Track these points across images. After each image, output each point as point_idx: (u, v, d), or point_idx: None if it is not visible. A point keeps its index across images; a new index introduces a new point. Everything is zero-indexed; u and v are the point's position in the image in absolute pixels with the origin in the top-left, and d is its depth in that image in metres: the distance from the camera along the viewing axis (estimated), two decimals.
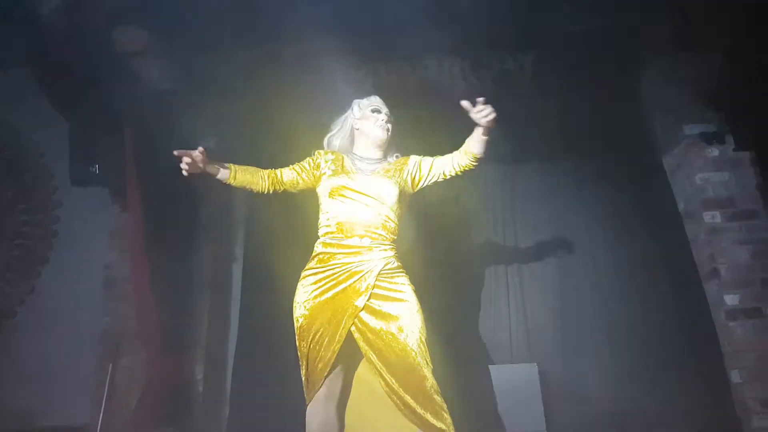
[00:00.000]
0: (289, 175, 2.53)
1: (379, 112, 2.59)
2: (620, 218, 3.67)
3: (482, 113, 2.25)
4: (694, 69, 3.48)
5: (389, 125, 2.58)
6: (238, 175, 2.46)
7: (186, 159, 2.31)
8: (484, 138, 2.37)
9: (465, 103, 2.26)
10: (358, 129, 2.62)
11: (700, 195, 3.46)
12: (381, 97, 2.68)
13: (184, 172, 2.35)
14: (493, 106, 3.56)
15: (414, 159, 2.60)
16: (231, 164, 2.47)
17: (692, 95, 3.54)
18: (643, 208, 3.62)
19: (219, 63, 3.53)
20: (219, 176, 2.45)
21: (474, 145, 2.43)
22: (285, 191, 2.56)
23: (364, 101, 2.65)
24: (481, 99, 2.24)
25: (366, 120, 2.59)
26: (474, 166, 2.48)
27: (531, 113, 3.68)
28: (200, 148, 2.33)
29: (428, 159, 2.59)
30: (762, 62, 3.14)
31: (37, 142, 4.10)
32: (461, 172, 2.52)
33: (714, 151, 3.52)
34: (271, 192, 2.53)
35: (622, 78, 3.67)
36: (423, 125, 3.48)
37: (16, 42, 3.34)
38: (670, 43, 3.46)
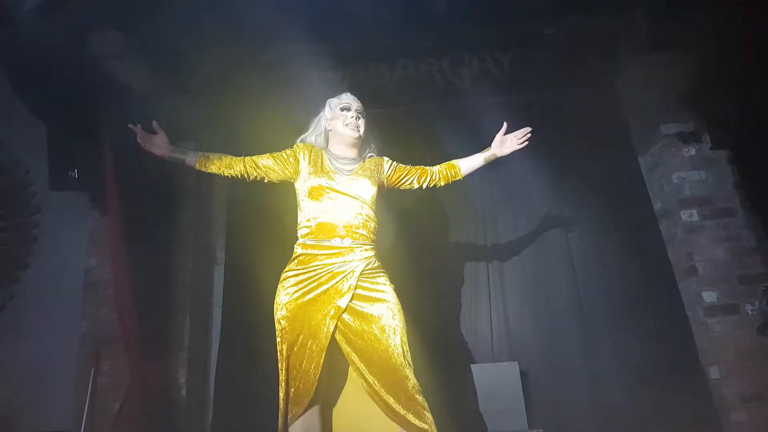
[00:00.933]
0: (265, 162, 2.52)
1: (348, 109, 2.58)
2: (598, 218, 3.68)
3: (520, 140, 2.56)
4: (671, 69, 3.51)
5: (360, 122, 2.57)
6: (206, 162, 2.48)
7: (140, 135, 2.44)
8: (484, 164, 2.56)
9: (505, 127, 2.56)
10: (330, 130, 2.61)
11: (678, 194, 3.49)
12: (359, 97, 2.67)
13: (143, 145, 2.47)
14: (471, 105, 3.61)
15: (388, 162, 2.63)
16: (200, 152, 2.50)
17: (669, 95, 3.57)
18: (620, 207, 3.64)
19: (197, 65, 3.51)
20: (187, 162, 2.49)
21: (470, 167, 2.60)
22: (261, 178, 2.54)
23: (335, 100, 2.64)
24: (527, 129, 2.52)
25: (336, 120, 2.58)
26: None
27: (508, 113, 3.69)
28: (153, 122, 2.46)
29: (402, 166, 2.63)
30: (738, 61, 3.18)
31: (14, 147, 4.05)
32: (435, 185, 2.64)
33: (691, 150, 3.56)
34: (247, 176, 2.52)
35: (599, 78, 3.69)
36: (402, 125, 3.50)
37: None
38: (647, 43, 3.49)
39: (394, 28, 3.36)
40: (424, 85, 3.74)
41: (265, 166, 2.51)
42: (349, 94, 2.66)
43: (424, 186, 2.65)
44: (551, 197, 3.77)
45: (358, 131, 2.56)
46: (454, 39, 3.66)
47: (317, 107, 2.71)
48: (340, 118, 2.57)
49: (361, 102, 2.64)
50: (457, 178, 2.66)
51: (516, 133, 2.59)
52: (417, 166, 2.67)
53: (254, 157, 2.53)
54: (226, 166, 2.49)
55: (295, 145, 2.60)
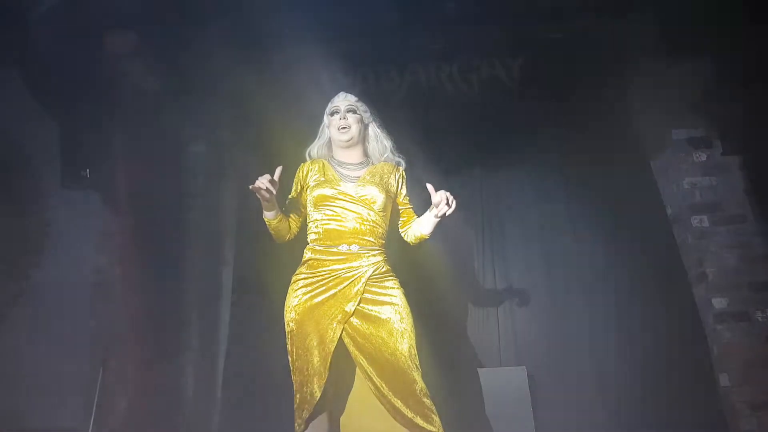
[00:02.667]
0: (295, 205, 2.51)
1: (337, 112, 2.55)
2: (608, 223, 3.67)
3: (445, 207, 2.27)
4: (682, 74, 3.50)
5: (350, 119, 2.52)
6: (281, 222, 2.42)
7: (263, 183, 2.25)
8: (437, 221, 2.39)
9: (430, 186, 2.33)
10: (329, 136, 2.61)
11: (688, 199, 3.49)
12: (368, 102, 2.64)
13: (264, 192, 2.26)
14: (481, 112, 3.59)
15: (402, 184, 2.58)
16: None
17: (680, 100, 3.56)
18: (631, 212, 3.62)
19: (208, 67, 3.53)
20: (269, 213, 2.38)
21: (426, 226, 2.45)
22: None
23: (328, 106, 2.61)
24: (449, 198, 2.28)
25: (331, 126, 2.57)
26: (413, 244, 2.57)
27: (516, 117, 3.69)
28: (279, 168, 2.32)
29: (405, 202, 2.57)
30: (749, 67, 3.17)
31: (26, 145, 4.08)
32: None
33: (702, 156, 3.55)
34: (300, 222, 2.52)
35: (609, 83, 3.68)
36: (412, 130, 3.49)
37: (4, 43, 3.33)
38: (658, 49, 3.48)
39: (403, 32, 3.38)
40: (433, 90, 3.74)
41: (298, 208, 2.52)
42: (341, 93, 2.62)
43: (399, 228, 2.58)
44: (561, 203, 3.77)
45: (348, 132, 2.52)
46: (463, 43, 3.67)
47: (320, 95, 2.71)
48: (332, 124, 2.55)
49: (366, 104, 2.61)
50: (423, 235, 2.49)
51: (437, 200, 2.32)
52: (409, 209, 2.58)
53: (290, 210, 2.51)
54: (285, 231, 2.47)
55: (298, 169, 2.58)
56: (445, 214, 2.28)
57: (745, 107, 3.29)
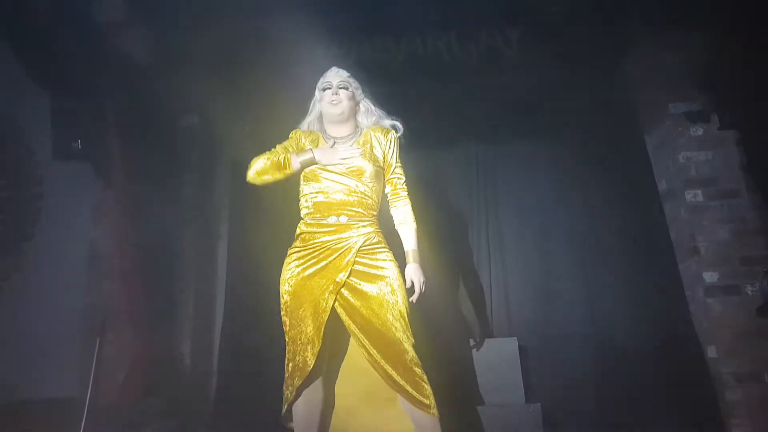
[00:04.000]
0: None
1: (329, 88, 2.53)
2: (601, 195, 3.68)
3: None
4: (681, 47, 3.45)
5: (342, 94, 2.50)
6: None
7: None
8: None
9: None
10: (321, 111, 2.59)
11: (683, 174, 3.48)
12: (365, 72, 2.63)
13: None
14: (478, 83, 3.53)
15: (393, 142, 2.55)
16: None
17: (678, 74, 3.52)
18: (624, 185, 3.63)
19: (200, 36, 3.45)
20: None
21: (406, 244, 2.48)
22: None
23: (320, 81, 2.59)
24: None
25: (322, 101, 2.55)
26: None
27: (514, 89, 3.65)
28: None
29: (396, 166, 2.54)
30: (749, 41, 3.13)
31: (18, 118, 4.03)
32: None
33: (698, 130, 3.52)
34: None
35: (608, 55, 3.63)
36: (408, 101, 3.46)
37: None
38: (657, 21, 3.42)
39: (400, 1, 3.31)
40: (430, 61, 3.68)
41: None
42: (333, 68, 2.59)
43: (387, 195, 2.56)
44: (555, 174, 3.76)
45: (340, 106, 2.50)
46: (462, 12, 3.59)
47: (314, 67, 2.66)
48: (324, 98, 2.54)
49: (361, 75, 2.60)
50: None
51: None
52: (399, 181, 2.55)
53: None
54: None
55: (290, 136, 2.58)
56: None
57: (744, 81, 3.25)
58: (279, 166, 2.42)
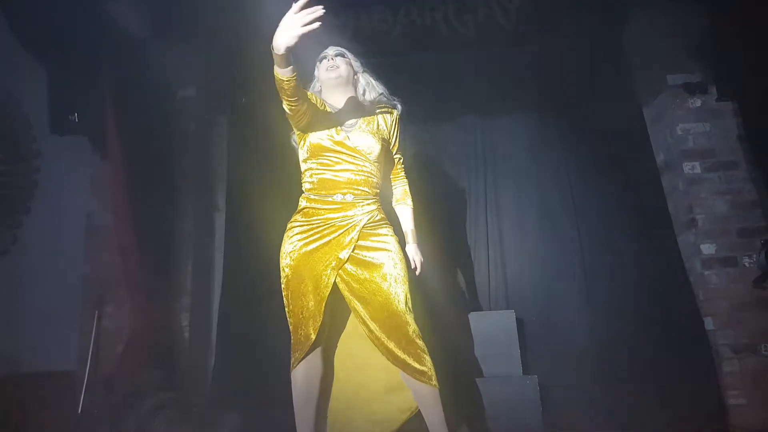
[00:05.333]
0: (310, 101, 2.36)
1: (326, 57, 2.53)
2: (599, 169, 3.68)
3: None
4: (679, 19, 3.44)
5: (337, 60, 2.49)
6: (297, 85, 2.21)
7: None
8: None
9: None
10: (321, 86, 2.58)
11: (681, 145, 3.48)
12: (361, 43, 2.65)
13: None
14: (476, 54, 3.50)
15: (396, 122, 2.57)
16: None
17: (676, 45, 3.51)
18: (622, 157, 3.62)
19: (195, 8, 3.43)
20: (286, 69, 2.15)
21: (404, 224, 2.57)
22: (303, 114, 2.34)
23: (319, 57, 2.57)
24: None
25: (319, 70, 2.55)
26: None
27: (512, 61, 3.63)
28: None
29: (399, 154, 2.61)
30: (746, 13, 3.11)
31: (14, 91, 4.02)
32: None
33: (696, 102, 3.52)
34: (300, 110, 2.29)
35: (606, 26, 3.61)
36: (406, 72, 3.44)
37: None
38: None
39: None
40: (427, 32, 3.65)
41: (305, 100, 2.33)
42: (330, 47, 2.57)
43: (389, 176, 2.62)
44: (553, 146, 3.76)
45: (337, 71, 2.49)
46: None
47: (317, 54, 2.63)
48: (321, 67, 2.53)
49: (363, 47, 2.63)
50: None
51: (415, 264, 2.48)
52: (399, 161, 2.61)
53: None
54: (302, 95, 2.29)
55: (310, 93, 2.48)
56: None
57: (742, 53, 3.24)
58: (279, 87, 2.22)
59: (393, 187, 2.61)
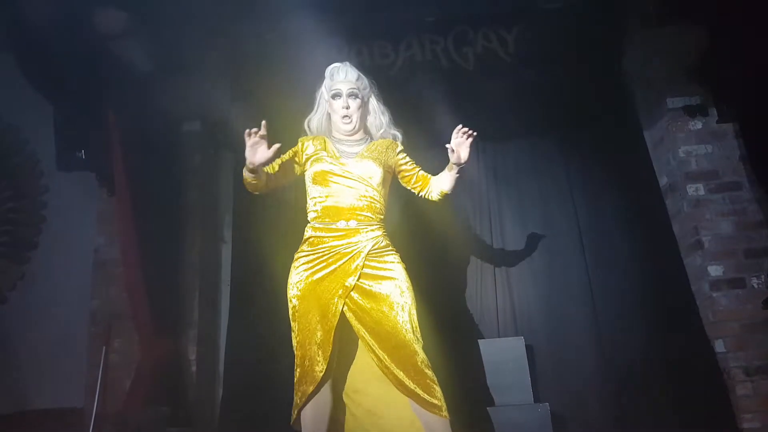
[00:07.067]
0: (283, 170, 2.50)
1: (339, 96, 2.52)
2: (603, 193, 3.68)
3: (465, 137, 2.37)
4: (678, 42, 3.48)
5: (352, 106, 2.51)
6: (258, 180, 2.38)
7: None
8: (456, 176, 2.46)
9: (449, 146, 2.40)
10: (329, 112, 2.59)
11: (684, 168, 3.48)
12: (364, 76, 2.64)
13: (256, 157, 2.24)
14: (475, 86, 3.55)
15: (401, 150, 2.60)
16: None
17: (675, 68, 3.54)
18: (625, 181, 3.63)
19: (201, 45, 3.50)
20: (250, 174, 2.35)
21: (445, 183, 2.51)
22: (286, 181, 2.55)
23: (328, 80, 2.58)
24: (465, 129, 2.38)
25: (331, 107, 2.56)
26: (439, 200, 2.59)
27: (513, 90, 3.67)
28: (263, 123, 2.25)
29: (410, 167, 2.59)
30: (745, 35, 3.15)
31: (22, 128, 4.08)
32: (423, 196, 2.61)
33: (697, 124, 3.54)
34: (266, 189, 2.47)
35: (605, 51, 3.66)
36: (408, 106, 3.47)
37: None
38: (653, 16, 3.45)
39: (396, 4, 3.33)
40: (428, 66, 3.71)
41: (284, 169, 2.50)
42: (341, 70, 2.56)
43: (417, 193, 2.61)
44: (557, 173, 3.77)
45: (351, 123, 2.52)
46: (458, 15, 3.63)
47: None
48: (335, 109, 2.53)
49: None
50: (442, 190, 2.55)
51: (457, 133, 2.40)
52: (420, 173, 2.60)
53: (276, 168, 2.48)
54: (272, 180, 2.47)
55: (298, 141, 2.58)
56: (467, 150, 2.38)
57: (742, 75, 3.27)
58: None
59: (429, 194, 2.56)
